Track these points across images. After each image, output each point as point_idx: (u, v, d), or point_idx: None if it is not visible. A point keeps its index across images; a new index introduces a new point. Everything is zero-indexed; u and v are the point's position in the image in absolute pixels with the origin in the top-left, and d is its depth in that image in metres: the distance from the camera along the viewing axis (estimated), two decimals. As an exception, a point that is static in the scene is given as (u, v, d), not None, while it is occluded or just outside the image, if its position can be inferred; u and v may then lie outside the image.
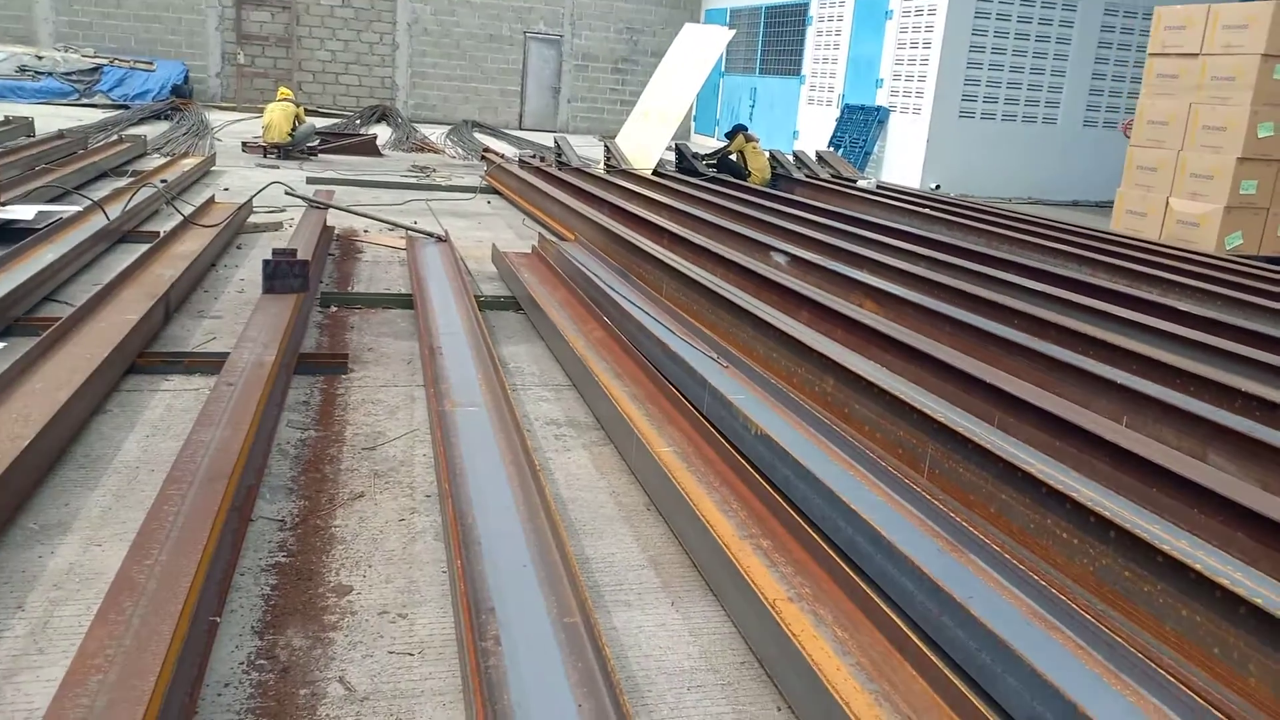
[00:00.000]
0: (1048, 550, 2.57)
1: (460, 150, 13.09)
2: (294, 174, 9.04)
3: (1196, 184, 8.56)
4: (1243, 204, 8.38)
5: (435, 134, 14.83)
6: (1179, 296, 5.70)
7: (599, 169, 10.26)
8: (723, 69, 17.85)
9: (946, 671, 1.92)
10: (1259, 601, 2.03)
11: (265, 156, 10.39)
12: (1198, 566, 2.17)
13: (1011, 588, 2.29)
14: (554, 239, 6.04)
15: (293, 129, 10.49)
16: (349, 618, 2.14)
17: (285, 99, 10.61)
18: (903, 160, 12.75)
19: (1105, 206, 12.72)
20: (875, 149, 13.06)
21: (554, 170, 9.59)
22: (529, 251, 5.90)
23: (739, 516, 2.63)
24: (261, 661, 1.97)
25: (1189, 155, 8.60)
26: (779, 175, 10.53)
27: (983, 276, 5.65)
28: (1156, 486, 2.75)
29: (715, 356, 3.86)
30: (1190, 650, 2.16)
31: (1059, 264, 6.55)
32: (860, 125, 13.25)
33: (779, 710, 1.97)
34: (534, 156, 10.76)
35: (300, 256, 4.30)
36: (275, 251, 4.25)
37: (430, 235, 6.14)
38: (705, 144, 15.75)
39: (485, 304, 4.87)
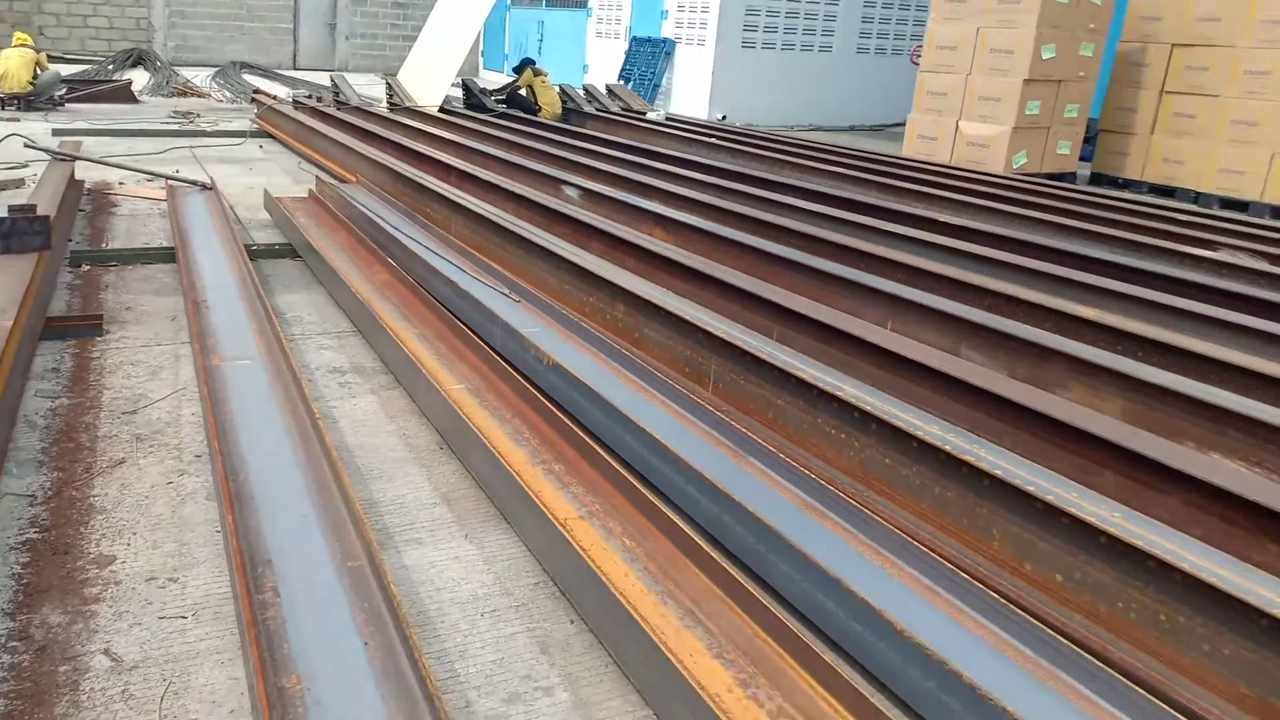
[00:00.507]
0: (820, 447, 2.73)
1: (228, 93, 12.20)
2: (37, 126, 8.16)
3: (985, 107, 8.97)
4: (1028, 124, 8.86)
5: (200, 77, 13.73)
6: (940, 209, 6.11)
7: (381, 108, 9.84)
8: (509, 1, 17.43)
9: (727, 566, 2.02)
10: (998, 473, 2.25)
11: (4, 109, 9.31)
12: (947, 448, 2.37)
13: (787, 484, 2.43)
14: (333, 181, 5.76)
15: (34, 77, 9.43)
16: (113, 588, 2.01)
17: (23, 45, 9.52)
18: (690, 91, 12.94)
19: (879, 130, 13.45)
20: (664, 81, 13.19)
21: (332, 110, 9.12)
22: (306, 195, 5.61)
23: (531, 445, 2.64)
24: (14, 643, 1.82)
25: (977, 79, 9.01)
26: (570, 109, 10.46)
27: (765, 201, 5.85)
28: (916, 381, 2.97)
29: (507, 292, 3.83)
30: (944, 523, 2.37)
31: (835, 186, 6.87)
32: (648, 58, 13.32)
33: (572, 623, 2.02)
34: (309, 97, 10.19)
35: (41, 212, 3.90)
36: (11, 208, 3.83)
37: (194, 184, 5.72)
38: (494, 79, 15.40)
39: (258, 253, 4.60)
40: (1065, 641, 1.84)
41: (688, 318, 3.35)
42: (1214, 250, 5.14)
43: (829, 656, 1.76)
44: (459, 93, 10.81)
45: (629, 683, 1.85)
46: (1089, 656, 1.80)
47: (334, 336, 3.67)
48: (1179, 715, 1.64)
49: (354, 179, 6.14)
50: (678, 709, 1.71)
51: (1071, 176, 9.36)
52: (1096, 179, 9.47)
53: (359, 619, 1.80)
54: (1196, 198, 8.57)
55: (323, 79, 13.91)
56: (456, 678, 1.82)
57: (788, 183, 6.60)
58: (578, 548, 2.07)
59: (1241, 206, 8.19)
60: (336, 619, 1.79)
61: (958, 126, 9.19)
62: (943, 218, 5.60)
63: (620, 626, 1.89)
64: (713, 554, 2.06)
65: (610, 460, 2.47)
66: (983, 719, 1.67)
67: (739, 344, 3.09)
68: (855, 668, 1.94)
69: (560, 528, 2.16)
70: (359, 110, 9.35)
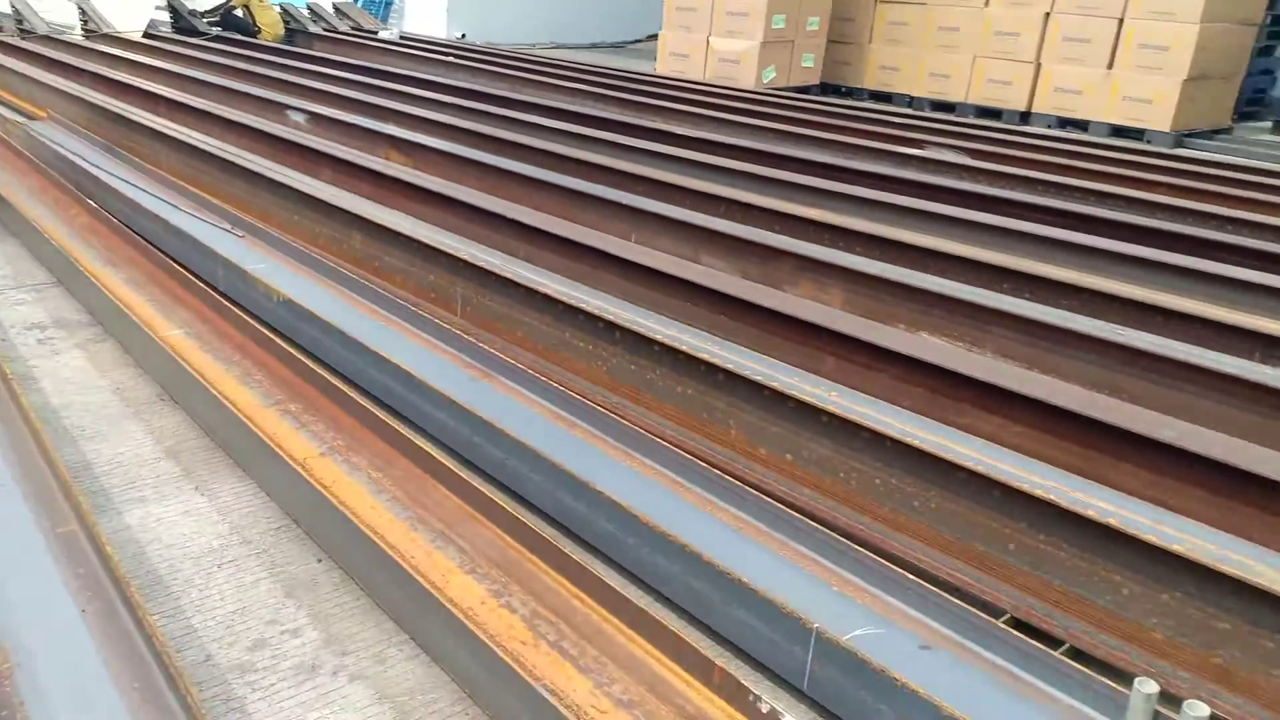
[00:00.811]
0: (570, 360, 2.76)
1: (-121, 22, 10.41)
2: None
3: (733, 22, 8.98)
4: (775, 39, 8.95)
5: None
6: (682, 124, 6.25)
7: (75, 35, 8.76)
8: (216, -85, 15.86)
9: (479, 485, 2.01)
10: (731, 367, 2.36)
11: None
12: (685, 348, 2.46)
13: (538, 399, 2.45)
14: (20, 119, 5.10)
15: None
16: None
17: None
18: (425, 9, 12.39)
19: (621, 46, 13.51)
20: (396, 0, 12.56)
21: (14, 40, 8.02)
22: (-15, 136, 4.92)
23: (263, 386, 2.50)
24: None
25: (725, -7, 8.98)
26: (294, 30, 9.75)
27: (508, 120, 5.76)
28: (658, 289, 3.06)
29: (229, 228, 3.56)
30: (686, 419, 2.48)
31: (582, 104, 6.85)
32: (378, -25, 12.60)
33: (319, 562, 1.96)
34: (-16, 25, 8.89)
35: None
36: None
37: None
38: (205, 0, 14.06)
39: (-72, 203, 4.01)
40: (797, 515, 1.98)
41: (431, 242, 3.26)
42: (922, 149, 5.60)
43: (581, 557, 1.81)
44: (165, 16, 9.79)
45: (383, 612, 1.82)
46: (818, 525, 1.95)
47: (30, 290, 3.28)
48: (897, 568, 1.81)
49: (45, 115, 5.46)
50: (432, 628, 1.71)
51: (817, 89, 9.72)
52: (824, 89, 9.98)
53: (73, 586, 1.65)
54: (911, 102, 9.25)
55: (3, 5, 12.17)
56: (194, 633, 1.72)
57: (532, 101, 6.52)
58: (319, 486, 1.99)
59: (949, 108, 8.94)
60: (47, 589, 1.63)
61: (708, 43, 9.27)
62: (683, 131, 5.74)
63: (369, 558, 1.85)
64: (465, 475, 2.04)
65: (353, 394, 2.38)
66: (722, 594, 1.78)
67: (485, 265, 3.05)
68: (609, 564, 2.01)
69: (299, 468, 2.07)
70: (48, 40, 8.27)
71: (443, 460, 2.09)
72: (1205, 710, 1.37)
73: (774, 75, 9.11)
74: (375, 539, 1.82)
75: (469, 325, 3.06)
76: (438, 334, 2.79)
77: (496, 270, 2.99)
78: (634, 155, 5.06)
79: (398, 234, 3.36)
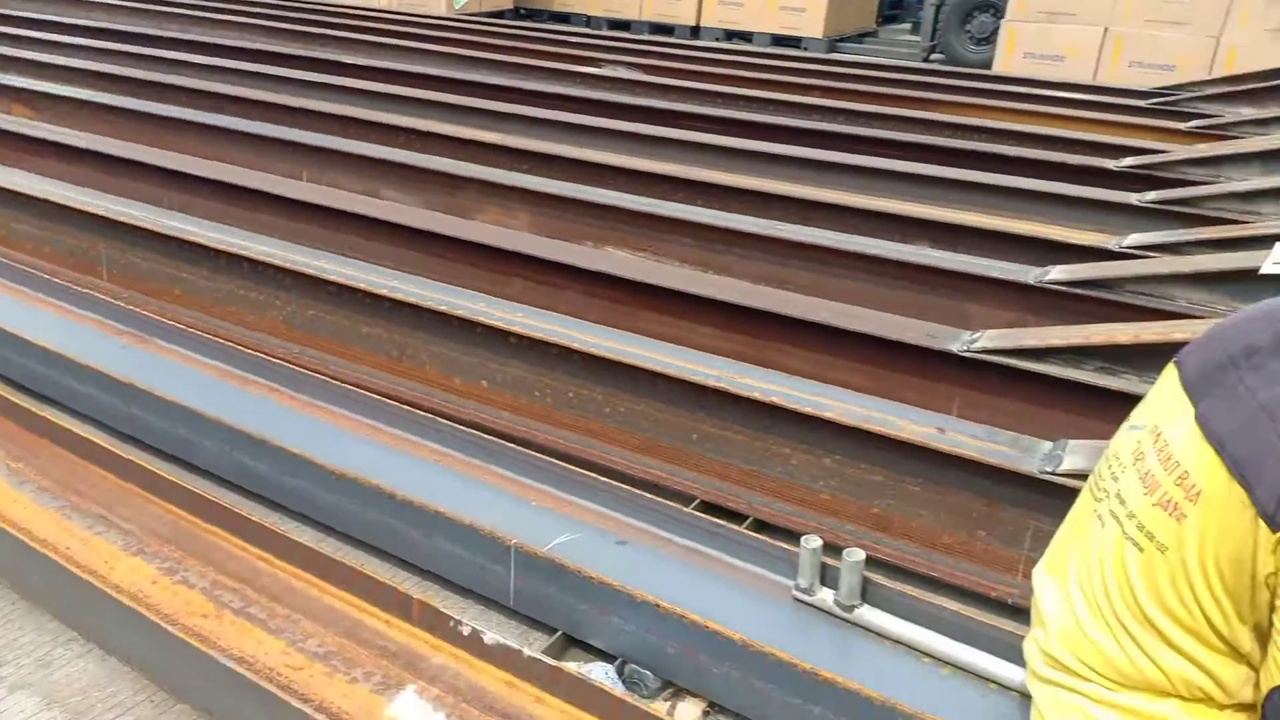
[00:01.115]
0: (238, 313, 2.57)
1: None
2: None
3: None
4: None
5: None
6: (356, 53, 5.89)
7: None
8: None
9: (144, 462, 1.84)
10: (414, 299, 2.30)
11: None
12: (363, 286, 2.36)
13: (205, 359, 2.25)
14: None
15: None
16: None
17: None
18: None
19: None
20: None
21: None
22: None
23: None
24: None
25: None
26: None
27: (152, 59, 5.20)
28: (333, 228, 2.92)
29: None
30: (376, 360, 2.39)
31: (236, 37, 6.29)
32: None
33: (-45, 575, 1.72)
34: None
35: None
36: None
37: None
38: None
39: None
40: (495, 439, 1.97)
41: (63, 200, 2.90)
42: (599, 67, 5.67)
43: (267, 519, 1.71)
44: None
45: (43, 612, 1.64)
46: (517, 446, 1.95)
47: None
48: (595, 475, 1.85)
49: None
50: (101, 619, 1.55)
51: (511, 13, 9.43)
52: (518, 13, 9.80)
53: None
54: (589, 21, 9.32)
55: None
56: None
57: (180, 38, 5.92)
58: (-57, 490, 1.74)
59: (625, 26, 9.10)
60: None
61: None
62: (358, 61, 5.44)
63: (17, 557, 1.64)
64: (123, 453, 1.86)
65: (-20, 381, 2.09)
66: (423, 529, 1.75)
67: (129, 220, 2.76)
68: (304, 521, 1.91)
69: (-83, 475, 1.79)
70: None
71: (96, 440, 1.89)
72: (861, 555, 1.53)
73: (465, 1, 8.82)
74: (20, 535, 1.62)
75: (117, 288, 2.76)
76: (80, 302, 2.48)
77: (143, 224, 2.71)
78: (304, 89, 4.75)
79: (21, 195, 2.96)
